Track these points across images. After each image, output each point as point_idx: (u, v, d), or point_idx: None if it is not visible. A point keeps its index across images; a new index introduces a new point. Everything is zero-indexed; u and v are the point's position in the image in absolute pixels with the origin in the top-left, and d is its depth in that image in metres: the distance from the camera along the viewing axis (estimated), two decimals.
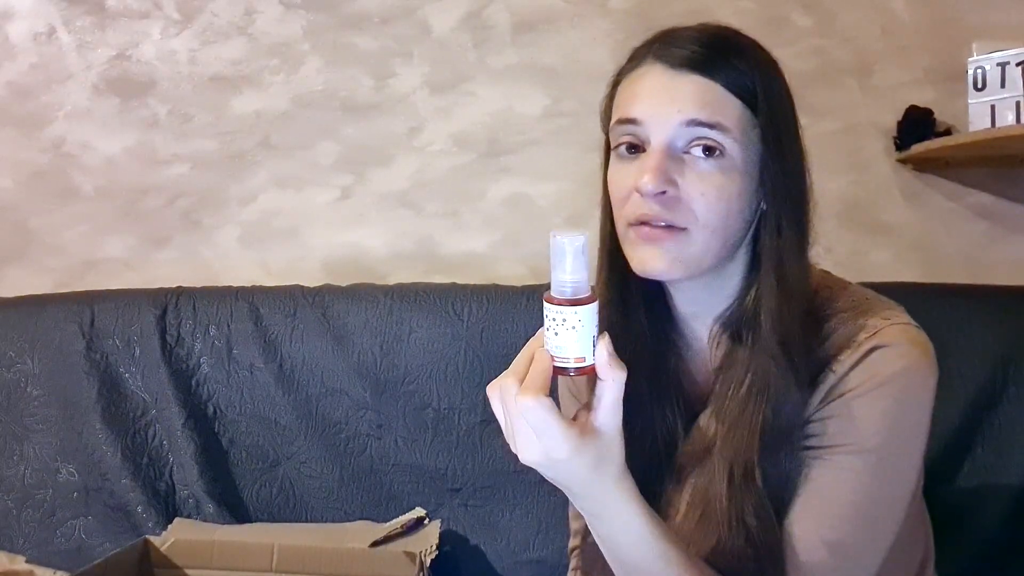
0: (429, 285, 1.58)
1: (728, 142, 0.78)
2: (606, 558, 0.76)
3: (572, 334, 0.66)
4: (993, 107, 1.43)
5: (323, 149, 1.79)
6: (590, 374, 0.68)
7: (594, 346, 0.67)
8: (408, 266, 1.76)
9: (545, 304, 0.67)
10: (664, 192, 0.77)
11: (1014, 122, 1.39)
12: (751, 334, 0.81)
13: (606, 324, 0.88)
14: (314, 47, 1.78)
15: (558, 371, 0.68)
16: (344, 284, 1.62)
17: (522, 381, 0.67)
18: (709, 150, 0.78)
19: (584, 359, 0.67)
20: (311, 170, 1.79)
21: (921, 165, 1.64)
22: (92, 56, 1.81)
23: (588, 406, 0.69)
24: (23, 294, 1.69)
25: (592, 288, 0.67)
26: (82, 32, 1.81)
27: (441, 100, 1.76)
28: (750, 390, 0.80)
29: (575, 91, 1.70)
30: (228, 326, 1.56)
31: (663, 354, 0.90)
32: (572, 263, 0.66)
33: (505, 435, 0.69)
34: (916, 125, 1.59)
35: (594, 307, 0.67)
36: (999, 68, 1.42)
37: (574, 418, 0.69)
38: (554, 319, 0.66)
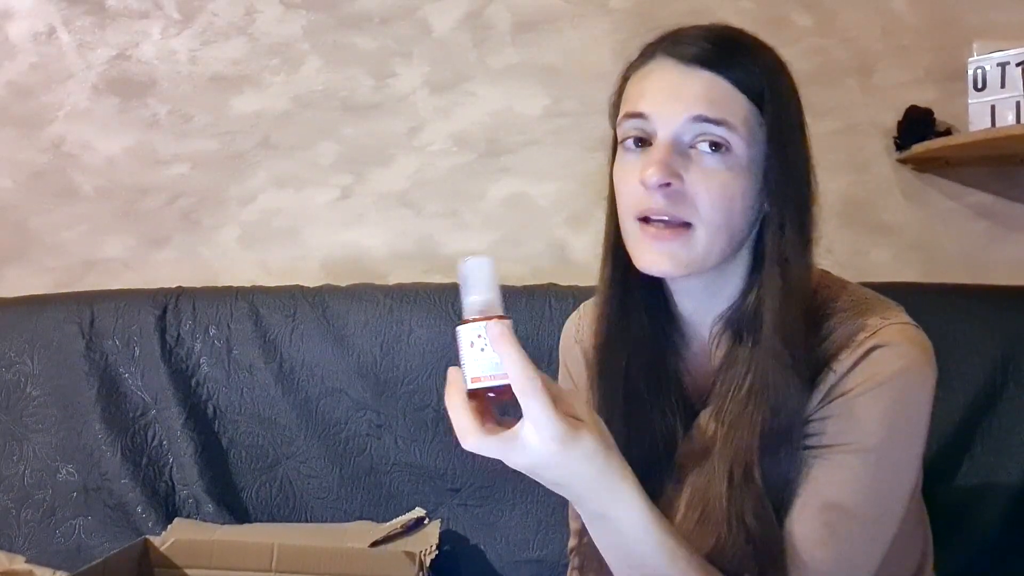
0: (429, 285, 1.58)
1: (734, 139, 0.78)
2: (608, 562, 0.76)
3: (486, 352, 0.65)
4: (993, 107, 1.43)
5: (323, 149, 1.79)
6: (509, 396, 0.65)
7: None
8: (408, 266, 1.76)
9: (458, 330, 0.66)
10: (668, 184, 0.77)
11: (1014, 122, 1.39)
12: (752, 335, 0.81)
13: (606, 319, 0.88)
14: (314, 47, 1.78)
15: (474, 396, 0.66)
16: (344, 284, 1.62)
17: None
18: (715, 146, 0.78)
19: (497, 376, 0.65)
20: (311, 170, 1.79)
21: (921, 165, 1.64)
22: (92, 56, 1.81)
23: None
24: (23, 294, 1.69)
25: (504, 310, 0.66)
26: (82, 32, 1.81)
27: (441, 100, 1.76)
28: (751, 390, 0.80)
29: (575, 91, 1.69)
30: (228, 326, 1.56)
31: (663, 353, 0.90)
32: (485, 282, 0.65)
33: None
34: (916, 125, 1.59)
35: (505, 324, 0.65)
36: (999, 68, 1.42)
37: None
38: (471, 342, 0.65)
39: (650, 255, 0.80)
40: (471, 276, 0.66)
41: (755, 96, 0.79)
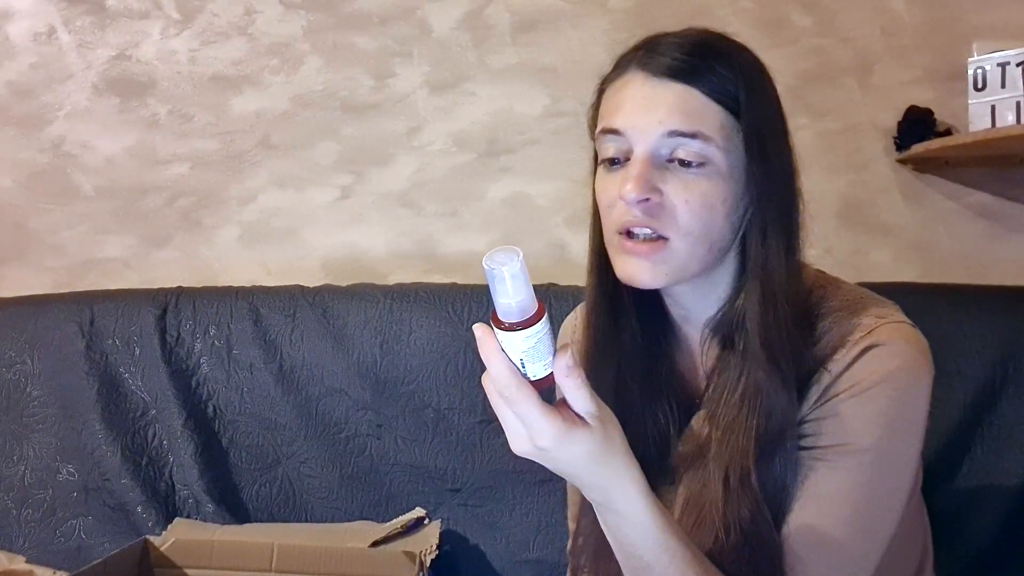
0: (429, 285, 1.58)
1: (711, 150, 0.78)
2: (614, 550, 0.76)
3: (513, 355, 0.65)
4: (993, 107, 1.42)
5: (323, 149, 1.79)
6: (541, 387, 0.66)
7: (522, 366, 0.65)
8: (408, 266, 1.76)
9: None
10: (647, 200, 0.78)
11: (1014, 122, 1.39)
12: (742, 340, 0.81)
13: (595, 329, 0.88)
14: (314, 47, 1.78)
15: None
16: (344, 284, 1.62)
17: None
18: (692, 159, 0.78)
19: (531, 375, 0.65)
20: (311, 170, 1.79)
21: (921, 165, 1.64)
22: (92, 56, 1.81)
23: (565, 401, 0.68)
24: (23, 294, 1.70)
25: (537, 307, 0.64)
26: (82, 32, 1.81)
27: (441, 100, 1.76)
28: (743, 396, 0.80)
29: (575, 91, 1.70)
30: (228, 326, 1.56)
31: (655, 356, 0.90)
32: (511, 286, 0.63)
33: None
34: (916, 125, 1.59)
35: (534, 329, 0.64)
36: (999, 68, 1.42)
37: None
38: (501, 339, 0.65)
39: (630, 267, 0.81)
40: (492, 280, 0.64)
41: (730, 103, 0.79)
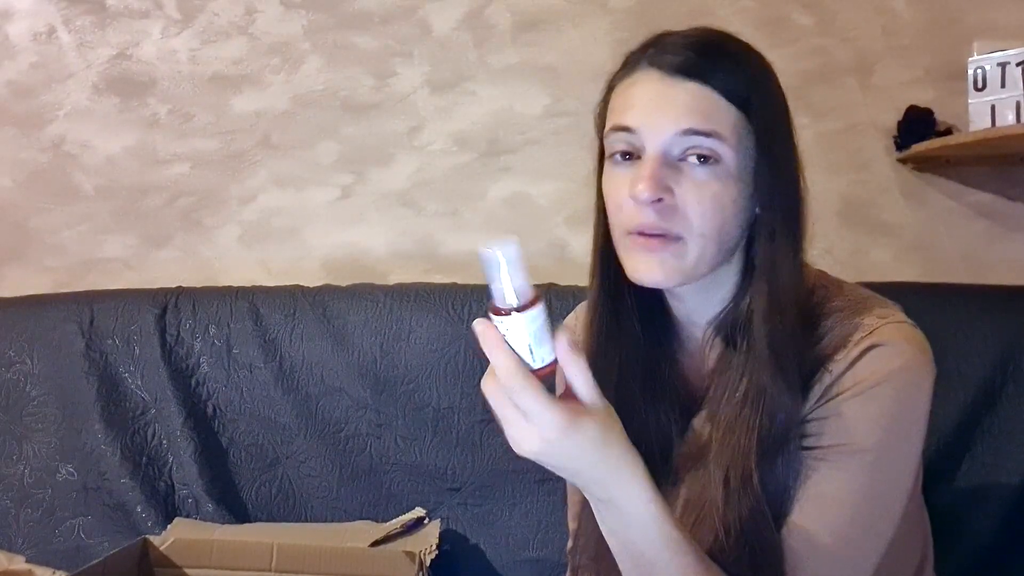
0: (429, 285, 1.58)
1: (723, 149, 0.77)
2: (613, 551, 0.75)
3: (519, 341, 0.65)
4: (993, 107, 1.42)
5: (323, 149, 1.79)
6: (548, 375, 0.66)
7: (531, 351, 0.65)
8: (408, 266, 1.76)
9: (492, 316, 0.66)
10: (660, 200, 0.77)
11: (1014, 122, 1.39)
12: (745, 340, 0.81)
13: (597, 330, 0.88)
14: (314, 47, 1.78)
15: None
16: (344, 284, 1.62)
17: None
18: (705, 158, 0.77)
19: (538, 361, 0.66)
20: (311, 170, 1.79)
21: (921, 165, 1.64)
22: (92, 55, 1.81)
23: (567, 393, 0.68)
24: (23, 294, 1.70)
25: (535, 291, 0.65)
26: (82, 31, 1.81)
27: (441, 100, 1.76)
28: (746, 396, 0.80)
29: (575, 91, 1.70)
30: (228, 326, 1.56)
31: (657, 357, 0.89)
32: (510, 269, 0.64)
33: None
34: (916, 124, 1.59)
35: (538, 310, 0.65)
36: (999, 68, 1.41)
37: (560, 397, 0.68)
38: (506, 330, 0.65)
39: (642, 266, 0.80)
40: (489, 266, 0.65)
41: (742, 103, 0.78)
